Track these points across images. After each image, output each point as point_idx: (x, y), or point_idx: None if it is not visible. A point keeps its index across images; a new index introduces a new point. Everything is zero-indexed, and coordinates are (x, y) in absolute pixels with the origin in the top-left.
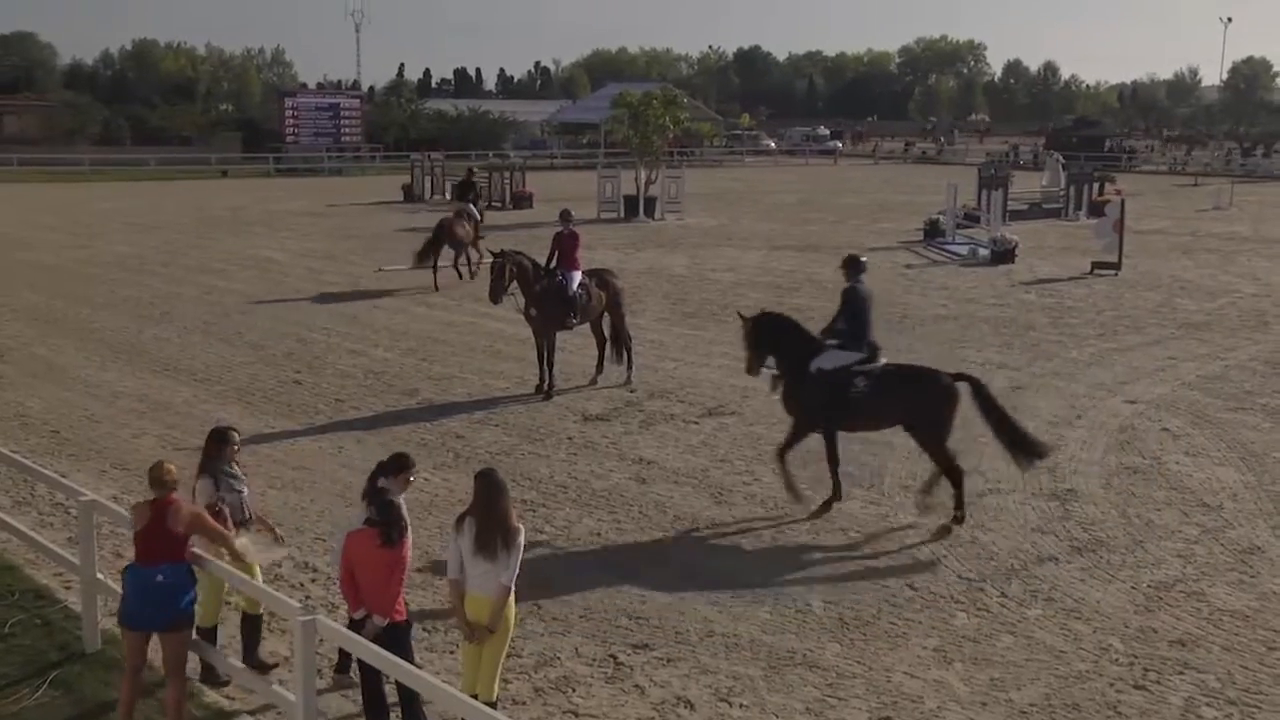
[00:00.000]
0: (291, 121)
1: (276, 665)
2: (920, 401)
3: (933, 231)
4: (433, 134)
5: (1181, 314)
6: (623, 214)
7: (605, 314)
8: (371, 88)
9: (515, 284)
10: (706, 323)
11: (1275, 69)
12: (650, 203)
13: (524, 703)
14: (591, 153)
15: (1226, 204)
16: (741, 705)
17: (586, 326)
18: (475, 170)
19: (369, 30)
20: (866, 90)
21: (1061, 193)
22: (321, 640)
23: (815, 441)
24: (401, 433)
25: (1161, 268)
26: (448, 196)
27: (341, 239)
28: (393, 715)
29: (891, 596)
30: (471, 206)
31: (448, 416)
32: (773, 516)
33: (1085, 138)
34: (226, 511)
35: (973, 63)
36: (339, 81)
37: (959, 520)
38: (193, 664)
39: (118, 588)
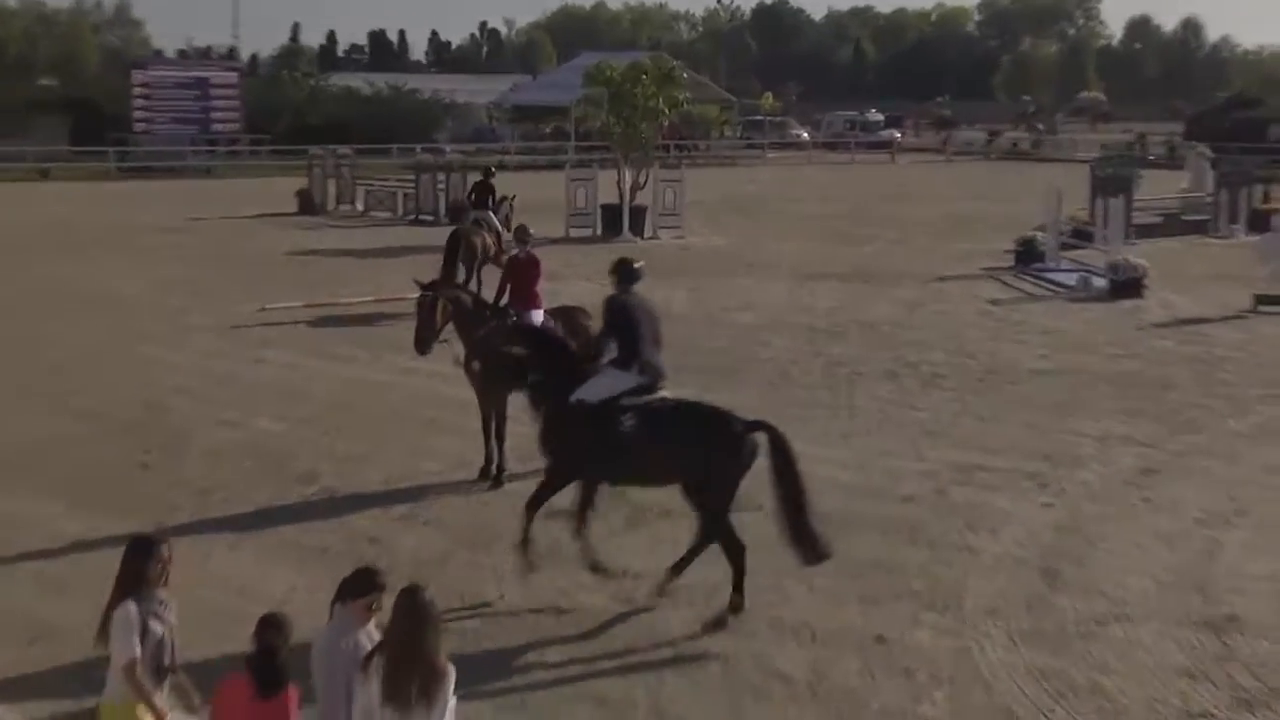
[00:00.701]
0: (142, 102)
1: None
2: (703, 452)
3: (1028, 254)
4: (340, 120)
5: None
6: (600, 230)
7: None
8: (254, 57)
9: (451, 327)
10: (715, 382)
11: None
12: (638, 215)
13: None
14: (558, 147)
15: None
16: None
17: None
18: (494, 170)
19: None
20: (934, 60)
21: (1209, 199)
22: None
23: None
24: (291, 534)
25: None
26: (361, 207)
27: (212, 266)
28: None
29: None
30: (491, 215)
31: (357, 512)
32: (805, 643)
33: (1242, 122)
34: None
35: (1082, 21)
36: (209, 48)
37: (736, 608)
38: None
39: None
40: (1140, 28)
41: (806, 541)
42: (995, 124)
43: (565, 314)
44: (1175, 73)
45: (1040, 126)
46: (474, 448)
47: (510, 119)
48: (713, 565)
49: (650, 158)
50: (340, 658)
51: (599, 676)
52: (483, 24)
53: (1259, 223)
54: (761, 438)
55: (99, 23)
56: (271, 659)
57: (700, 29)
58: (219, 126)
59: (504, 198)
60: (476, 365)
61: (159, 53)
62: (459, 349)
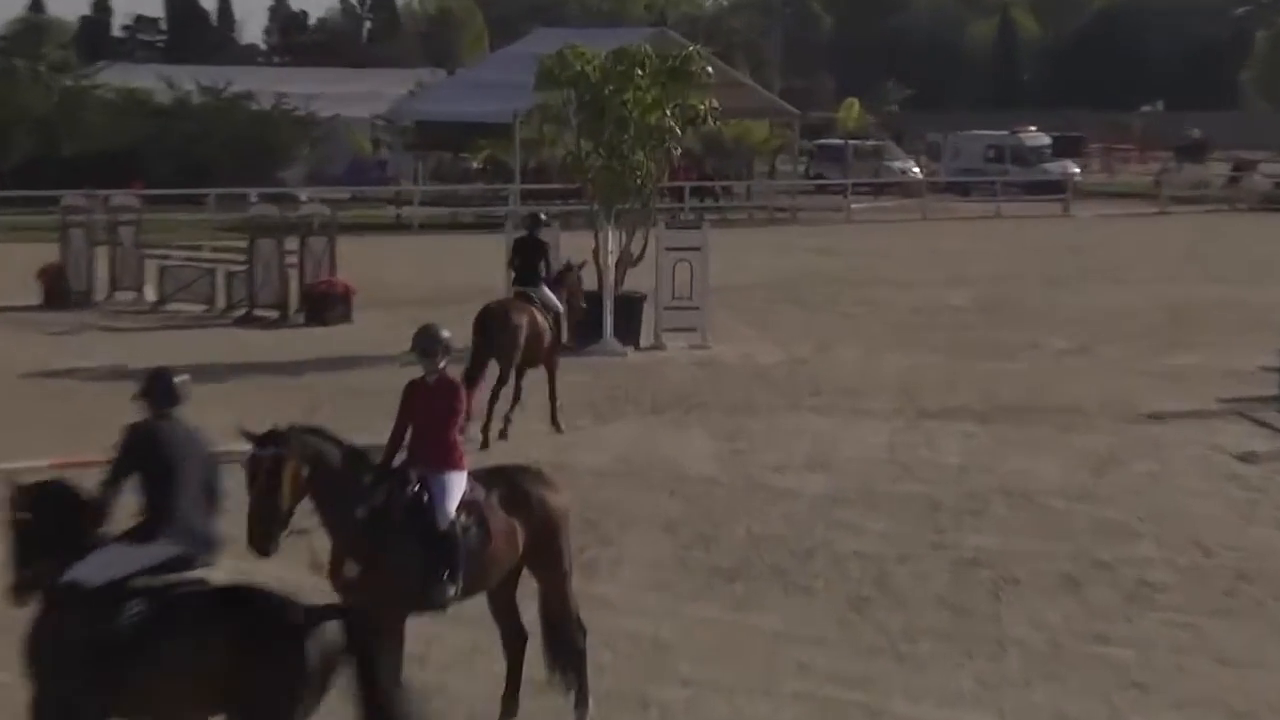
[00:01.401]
0: None
1: None
2: (241, 660)
3: None
4: (117, 147)
5: None
6: (566, 335)
7: (530, 576)
8: None
9: (310, 503)
10: (761, 592)
11: None
12: (629, 308)
13: None
14: (492, 193)
15: None
16: None
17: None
18: (544, 218)
19: None
20: (1132, 43)
21: None
22: None
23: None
24: None
25: None
26: (153, 295)
27: None
28: None
29: None
30: (545, 290)
31: None
32: None
33: None
34: None
35: None
36: None
37: None
38: None
39: None
40: None
41: None
42: (1244, 149)
43: (508, 480)
44: None
45: None
46: None
47: (411, 144)
48: None
49: (651, 211)
50: None
51: None
52: None
53: None
54: (337, 632)
55: None
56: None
57: None
58: None
59: (569, 265)
60: (353, 570)
61: None
62: (321, 544)
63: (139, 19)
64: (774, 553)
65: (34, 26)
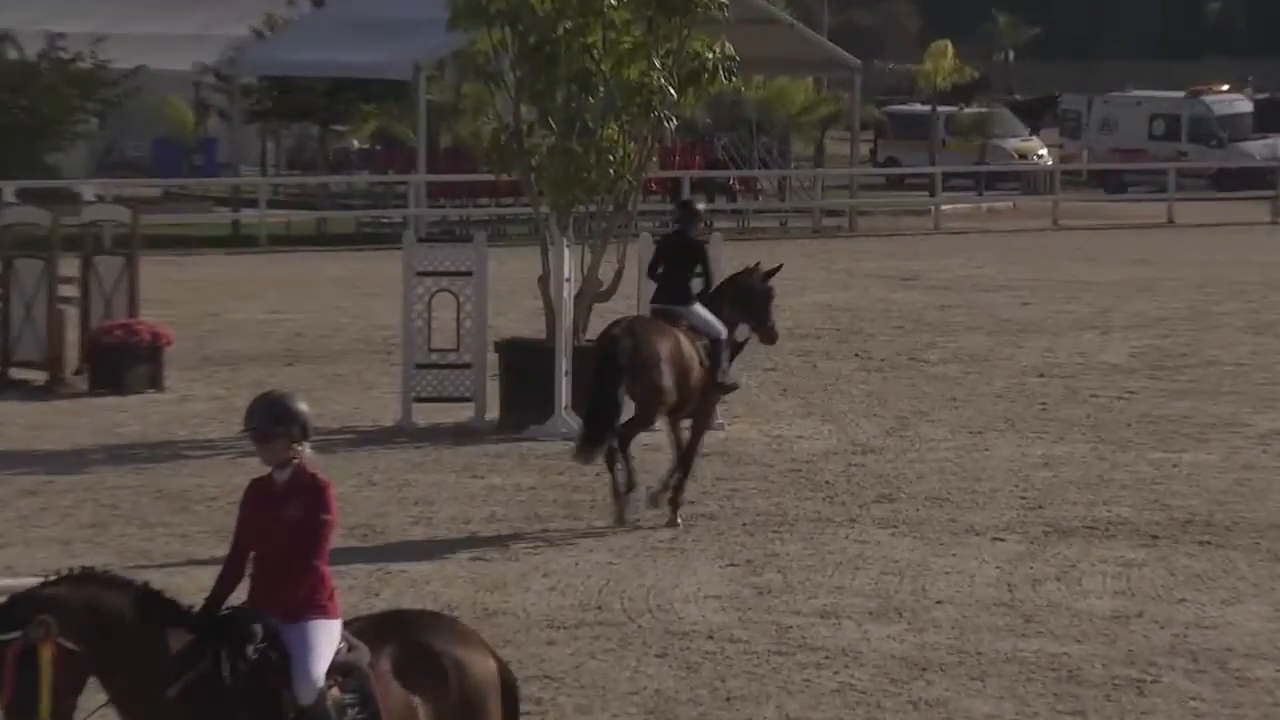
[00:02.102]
0: None
1: None
2: None
3: None
4: None
5: None
6: (500, 406)
7: None
8: None
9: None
10: None
11: None
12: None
13: None
14: (384, 188)
15: None
16: None
17: None
18: (697, 209)
19: None
20: None
21: None
22: None
23: None
24: None
25: None
26: None
27: None
28: None
29: None
30: (700, 311)
31: None
32: None
33: None
34: None
35: None
36: None
37: None
38: None
39: None
40: None
41: None
42: None
43: (419, 657)
44: None
45: None
46: None
47: (256, 112)
48: None
49: (630, 217)
50: None
51: None
52: None
53: None
54: None
55: None
56: None
57: None
58: None
59: (751, 270)
60: None
61: None
62: None
63: None
64: None
65: None
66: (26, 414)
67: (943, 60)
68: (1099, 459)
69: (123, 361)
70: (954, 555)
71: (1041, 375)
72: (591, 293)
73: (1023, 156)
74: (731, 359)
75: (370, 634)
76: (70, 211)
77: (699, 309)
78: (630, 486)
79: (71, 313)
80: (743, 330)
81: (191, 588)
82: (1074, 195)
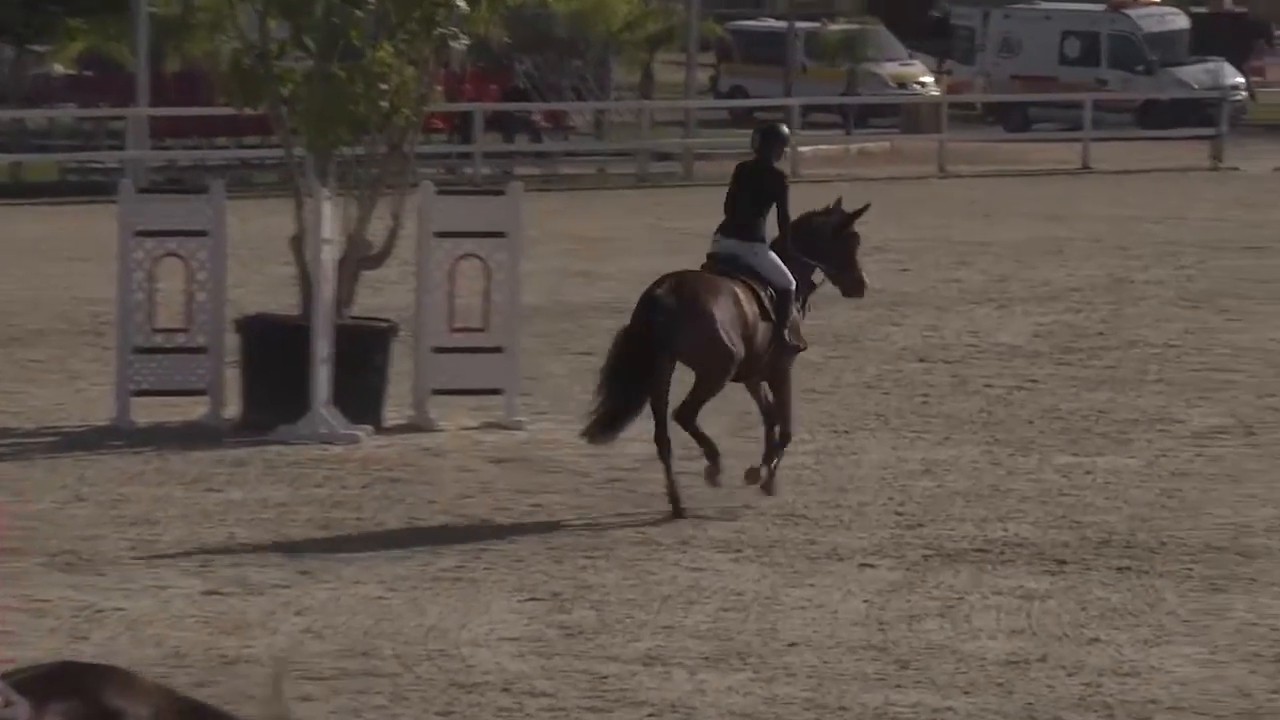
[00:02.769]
0: None
1: None
2: None
3: None
4: None
5: None
6: (250, 401)
7: None
8: None
9: None
10: None
11: None
12: (363, 352)
13: None
14: (94, 125)
15: None
16: None
17: None
18: (786, 130)
19: None
20: None
21: None
22: None
23: None
24: None
25: None
26: None
27: None
28: None
29: None
30: (766, 254)
31: None
32: None
33: None
34: None
35: None
36: None
37: None
38: None
39: None
40: None
41: None
42: None
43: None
44: None
45: None
46: None
47: None
48: None
49: (407, 161)
50: None
51: None
52: None
53: None
54: None
55: None
56: None
57: None
58: None
59: (830, 208)
60: None
61: None
62: None
63: None
64: None
65: None
66: None
67: None
68: (993, 465)
69: None
70: (812, 586)
71: (923, 360)
72: (358, 257)
73: (902, 85)
74: (804, 306)
75: (34, 688)
76: None
77: (766, 252)
78: (714, 456)
79: None
80: (818, 276)
81: None
82: (966, 134)
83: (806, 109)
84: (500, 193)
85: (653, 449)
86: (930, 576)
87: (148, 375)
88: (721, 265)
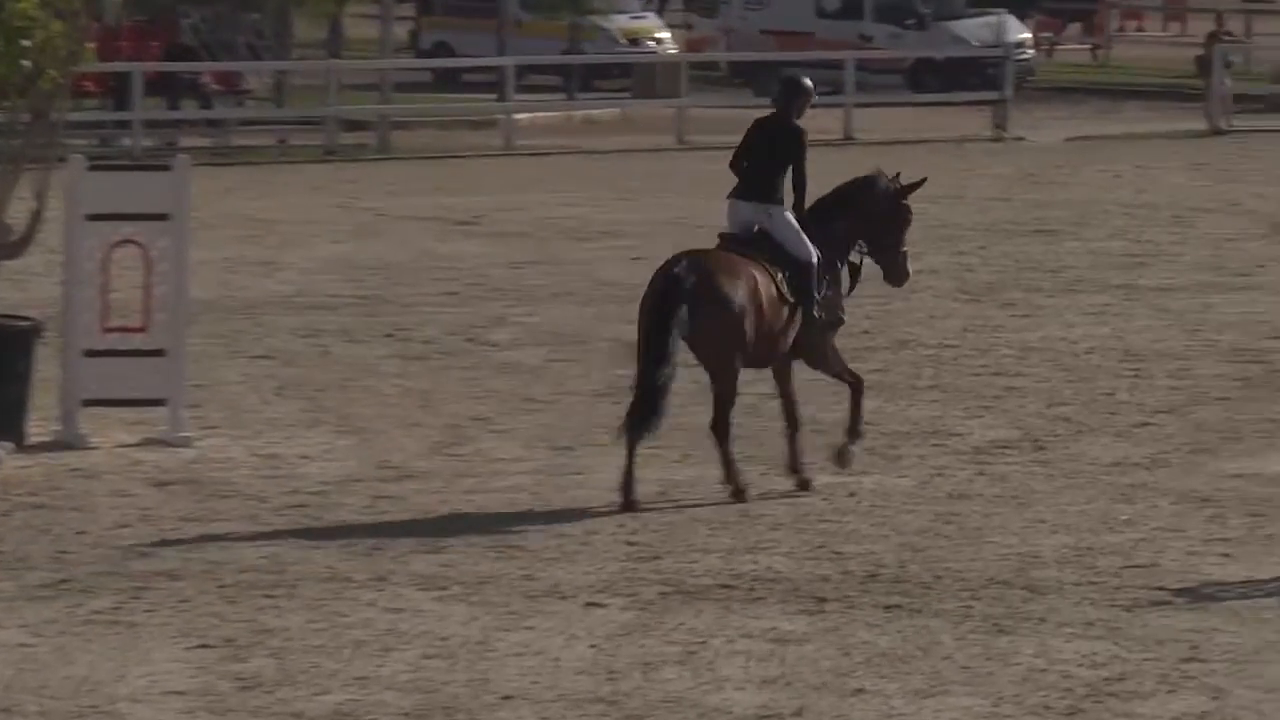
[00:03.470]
0: None
1: None
2: None
3: None
4: None
5: None
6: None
7: None
8: None
9: None
10: None
11: None
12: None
13: None
14: None
15: None
16: None
17: None
18: (809, 83)
19: None
20: None
21: None
22: None
23: None
24: None
25: None
26: None
27: None
28: None
29: None
30: (788, 221)
31: None
32: None
33: None
34: None
35: None
36: None
37: None
38: None
39: None
40: None
41: None
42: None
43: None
44: None
45: None
46: None
47: None
48: None
49: (52, 132)
50: None
51: None
52: None
53: None
54: None
55: None
56: None
57: None
58: None
59: (879, 174)
60: None
61: None
62: None
63: None
64: None
65: None
66: None
67: None
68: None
69: None
70: (530, 629)
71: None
72: None
73: (634, 42)
74: (852, 288)
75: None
76: None
77: (785, 218)
78: (733, 478)
79: None
80: (857, 254)
81: None
82: (710, 99)
83: (522, 70)
84: (164, 168)
85: (337, 469)
86: (668, 617)
87: None
88: (735, 246)
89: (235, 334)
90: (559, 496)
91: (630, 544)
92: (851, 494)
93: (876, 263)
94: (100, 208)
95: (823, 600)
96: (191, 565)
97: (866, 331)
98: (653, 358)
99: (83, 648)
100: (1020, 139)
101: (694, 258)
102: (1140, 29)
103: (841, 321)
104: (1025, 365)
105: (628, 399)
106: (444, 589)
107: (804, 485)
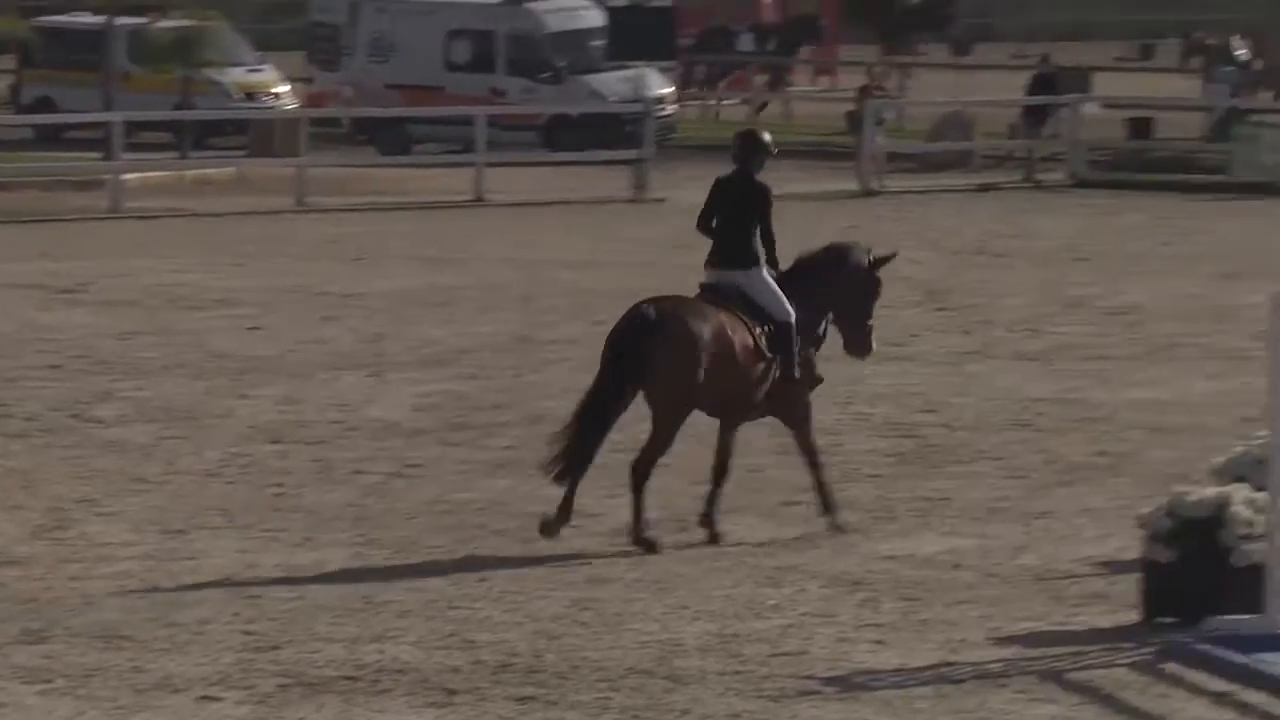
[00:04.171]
0: None
1: None
2: None
3: None
4: None
5: None
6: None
7: None
8: None
9: None
10: None
11: None
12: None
13: None
14: None
15: None
16: None
17: None
18: (762, 136)
19: None
20: None
21: None
22: None
23: None
24: None
25: None
26: None
27: None
28: None
29: None
30: (764, 280)
31: None
32: None
33: None
34: None
35: None
36: None
37: None
38: None
39: None
40: None
41: None
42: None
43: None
44: None
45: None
46: None
47: None
48: None
49: None
50: None
51: None
52: None
53: None
54: None
55: None
56: None
57: None
58: None
59: (854, 245)
60: None
61: None
62: None
63: None
64: None
65: None
66: None
67: None
68: (366, 571)
69: None
70: None
71: (277, 441)
72: None
73: (250, 96)
74: (817, 347)
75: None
76: None
77: (763, 279)
78: (638, 521)
79: None
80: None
81: None
82: (331, 158)
83: (131, 126)
84: None
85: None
86: (288, 711)
87: None
88: (712, 296)
89: None
90: (169, 582)
91: (247, 633)
92: (483, 579)
93: (840, 331)
94: None
95: (452, 692)
96: None
97: (499, 406)
98: (603, 395)
99: None
100: (661, 200)
101: (666, 299)
102: (789, 84)
103: (820, 380)
104: (680, 442)
105: (558, 433)
106: (48, 682)
107: (714, 539)
